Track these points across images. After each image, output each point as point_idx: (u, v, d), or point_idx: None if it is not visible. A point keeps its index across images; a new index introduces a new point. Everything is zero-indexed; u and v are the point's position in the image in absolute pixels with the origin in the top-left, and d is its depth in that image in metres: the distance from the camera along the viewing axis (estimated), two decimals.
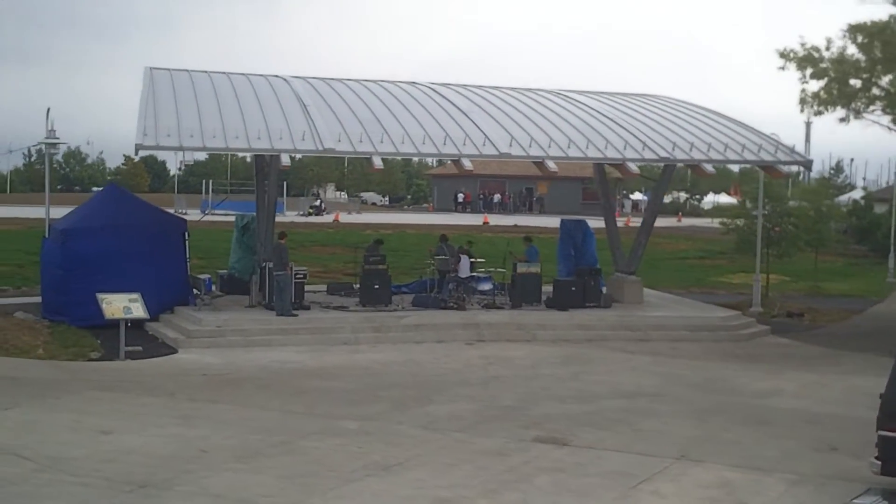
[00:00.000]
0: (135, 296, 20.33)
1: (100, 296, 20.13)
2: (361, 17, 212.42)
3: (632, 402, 16.52)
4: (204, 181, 77.22)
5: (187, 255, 24.76)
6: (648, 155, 24.53)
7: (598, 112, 26.60)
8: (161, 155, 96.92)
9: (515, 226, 53.76)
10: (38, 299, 25.00)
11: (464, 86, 28.37)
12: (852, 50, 24.51)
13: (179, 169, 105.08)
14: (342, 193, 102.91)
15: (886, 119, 26.34)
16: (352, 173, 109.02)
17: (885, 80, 24.92)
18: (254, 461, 12.29)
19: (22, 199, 71.15)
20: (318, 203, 71.66)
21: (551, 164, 23.62)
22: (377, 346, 21.72)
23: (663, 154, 24.59)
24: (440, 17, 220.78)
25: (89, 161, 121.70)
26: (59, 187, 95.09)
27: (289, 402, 15.91)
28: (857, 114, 25.22)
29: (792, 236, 30.29)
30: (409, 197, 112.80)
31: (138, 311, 20.30)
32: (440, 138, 23.36)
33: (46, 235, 25.01)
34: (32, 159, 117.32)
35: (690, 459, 12.90)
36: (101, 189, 35.83)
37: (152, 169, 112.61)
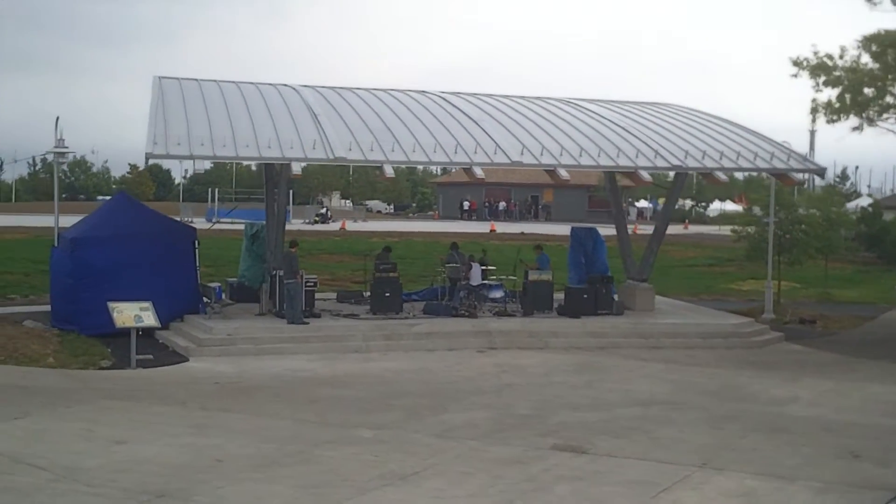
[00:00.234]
0: (146, 304, 20.25)
1: (111, 304, 20.05)
2: (363, 21, 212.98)
3: (647, 410, 16.38)
4: (209, 189, 77.27)
5: (197, 264, 24.64)
6: (661, 163, 24.43)
7: (608, 120, 26.50)
8: (166, 163, 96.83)
9: (522, 233, 53.71)
10: (47, 308, 24.96)
11: (473, 94, 28.30)
12: (866, 59, 24.43)
13: (183, 177, 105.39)
14: (347, 201, 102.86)
15: None
16: (357, 181, 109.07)
17: None
18: (269, 471, 12.15)
19: (26, 208, 71.25)
20: (324, 211, 71.62)
21: (563, 173, 23.51)
22: (389, 355, 21.60)
23: (675, 162, 24.49)
24: (442, 22, 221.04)
25: (94, 170, 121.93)
26: (63, 196, 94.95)
27: (302, 411, 15.79)
28: (871, 122, 25.10)
29: (803, 243, 30.13)
30: (413, 205, 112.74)
31: (149, 319, 20.21)
32: (451, 147, 23.27)
33: (55, 244, 24.94)
34: (37, 168, 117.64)
35: (711, 468, 12.73)
36: (110, 198, 35.74)
37: (157, 177, 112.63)
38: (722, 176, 24.85)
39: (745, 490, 11.82)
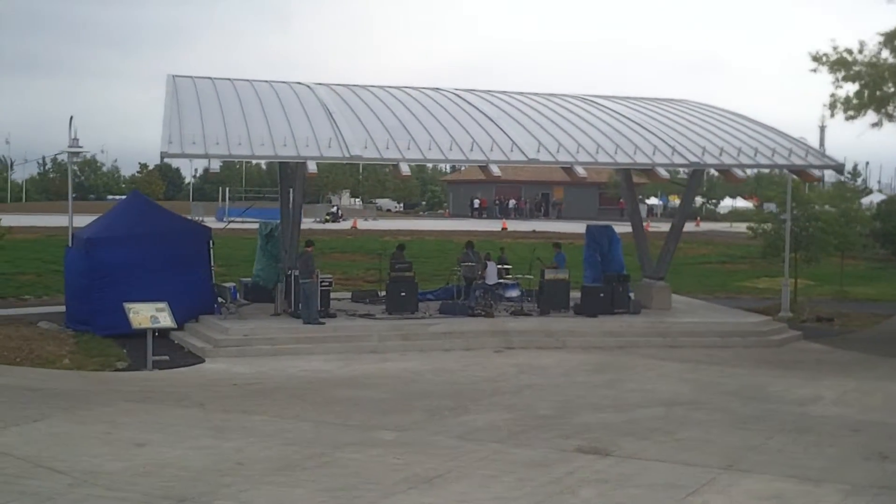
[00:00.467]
0: (162, 305, 20.15)
1: (127, 305, 19.96)
2: (365, 23, 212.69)
3: (670, 411, 16.20)
4: (220, 188, 77.21)
5: (212, 264, 24.54)
6: (678, 160, 24.24)
7: (625, 117, 26.32)
8: (175, 162, 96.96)
9: (534, 231, 53.55)
10: (60, 308, 24.90)
11: (488, 91, 28.14)
12: (886, 54, 24.14)
13: (194, 176, 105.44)
14: (357, 200, 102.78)
15: None
16: (367, 180, 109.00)
17: None
18: (292, 474, 12.00)
19: (37, 208, 71.25)
20: (334, 210, 71.46)
21: (580, 170, 23.32)
22: (406, 355, 21.47)
23: (693, 159, 24.30)
24: (443, 23, 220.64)
25: (104, 169, 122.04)
26: (74, 196, 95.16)
27: (322, 413, 15.64)
28: (890, 118, 24.83)
29: (820, 241, 29.89)
30: (423, 203, 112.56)
31: (165, 320, 20.12)
32: (467, 144, 23.13)
33: (70, 244, 24.85)
34: (47, 168, 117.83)
35: (738, 470, 12.55)
36: (124, 197, 35.65)
37: (167, 177, 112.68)
38: (740, 173, 24.63)
39: (774, 493, 11.62)
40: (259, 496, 11.08)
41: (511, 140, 23.63)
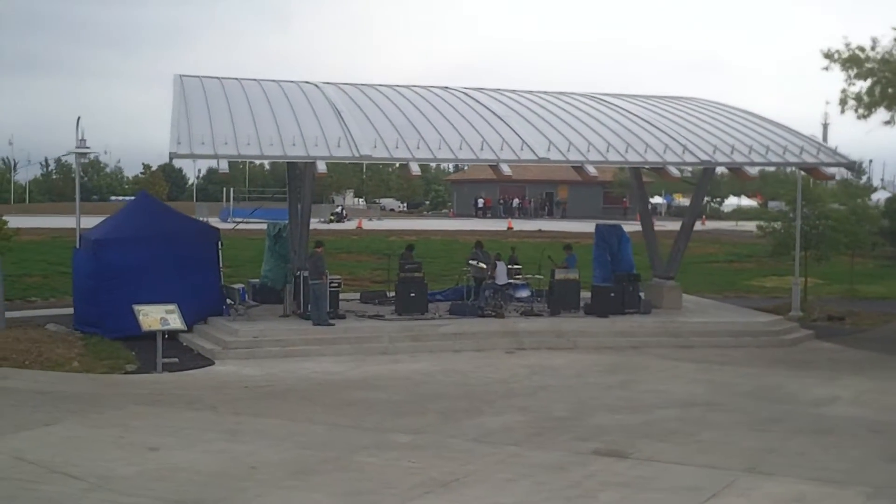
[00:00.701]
0: (171, 307, 20.02)
1: (136, 307, 19.83)
2: (365, 24, 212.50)
3: (686, 412, 16.05)
4: (224, 189, 77.06)
5: (220, 265, 24.41)
6: (689, 158, 24.08)
7: (635, 115, 26.17)
8: (181, 162, 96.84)
9: (540, 231, 53.35)
10: (68, 310, 24.80)
11: (496, 90, 28.00)
12: None
13: (197, 177, 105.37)
14: (360, 200, 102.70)
15: None
16: (370, 179, 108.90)
17: None
18: (307, 478, 11.86)
19: (41, 210, 71.09)
20: (339, 210, 71.31)
21: (591, 169, 23.17)
22: (416, 356, 21.34)
23: (704, 157, 24.14)
24: (443, 26, 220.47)
25: (107, 170, 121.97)
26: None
27: (335, 415, 15.50)
28: None
29: (831, 239, 29.71)
30: (427, 203, 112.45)
31: (175, 322, 19.99)
32: (477, 143, 22.99)
33: (77, 246, 24.72)
34: (49, 169, 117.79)
35: (759, 472, 12.39)
36: (128, 198, 35.59)
37: (170, 177, 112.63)
38: (752, 171, 24.47)
39: (796, 496, 11.46)
40: (275, 501, 10.94)
41: (521, 139, 23.48)
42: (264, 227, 29.98)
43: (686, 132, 25.29)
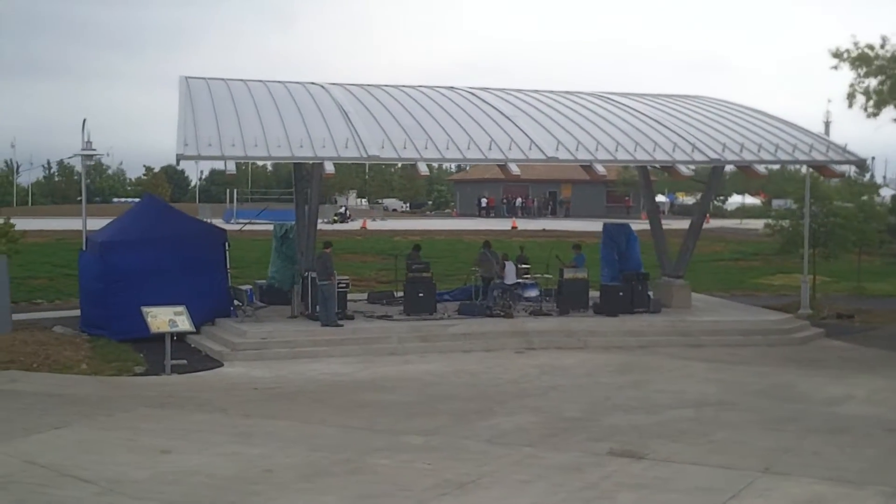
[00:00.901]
0: (180, 309, 19.93)
1: (145, 309, 19.73)
2: (366, 24, 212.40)
3: (699, 412, 15.94)
4: (227, 190, 76.93)
5: (227, 266, 24.32)
6: (698, 157, 23.94)
7: (643, 114, 26.05)
8: (184, 163, 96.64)
9: (544, 230, 53.21)
10: (73, 312, 24.73)
11: (503, 89, 27.87)
12: None
13: (200, 178, 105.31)
14: (363, 200, 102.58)
15: None
16: (373, 180, 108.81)
17: None
18: (321, 481, 11.76)
19: (44, 212, 71.02)
20: (342, 210, 71.18)
21: (600, 168, 23.05)
22: (425, 356, 21.23)
23: (713, 155, 24.02)
24: (443, 26, 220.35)
25: (109, 172, 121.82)
26: (78, 199, 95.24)
27: (347, 417, 15.39)
28: None
29: (839, 237, 29.58)
30: (430, 203, 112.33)
31: (184, 324, 19.90)
32: (485, 143, 22.86)
33: (84, 248, 24.63)
34: (52, 171, 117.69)
35: (775, 473, 12.29)
36: (133, 200, 35.53)
37: (172, 179, 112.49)
38: (762, 169, 24.34)
39: (814, 496, 11.37)
40: None
41: (529, 138, 23.37)
42: (269, 228, 29.90)
43: (695, 130, 25.17)
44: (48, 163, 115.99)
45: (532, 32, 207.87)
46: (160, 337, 19.62)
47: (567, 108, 26.01)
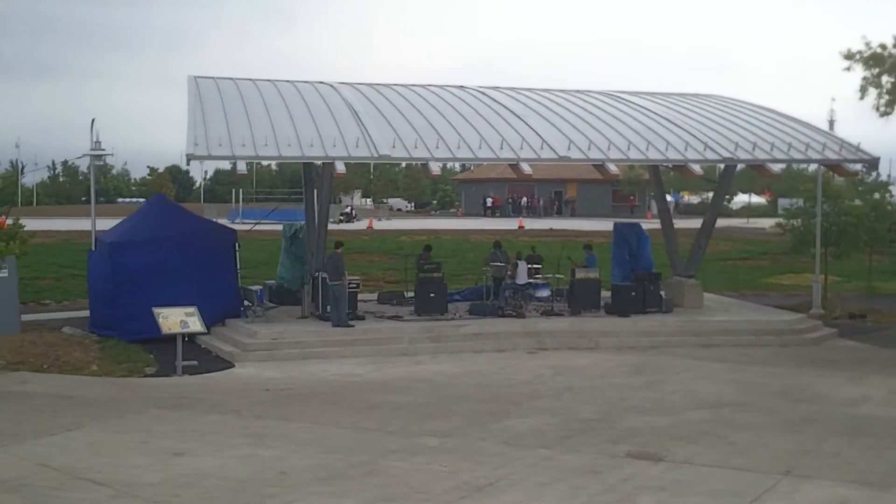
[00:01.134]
0: (191, 309, 19.81)
1: (156, 310, 19.62)
2: (367, 24, 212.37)
3: (716, 413, 15.77)
4: (232, 190, 76.84)
5: (238, 266, 24.19)
6: (711, 155, 23.79)
7: (655, 113, 25.90)
8: (193, 162, 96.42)
9: (551, 229, 53.06)
10: (81, 313, 24.63)
11: (513, 89, 27.72)
12: None
13: (204, 178, 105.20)
14: (368, 200, 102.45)
15: None
16: (378, 179, 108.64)
17: None
18: (337, 484, 11.60)
19: (49, 213, 70.98)
20: (348, 210, 71.06)
21: (612, 167, 22.91)
22: (437, 357, 21.10)
23: (726, 154, 23.85)
24: (443, 26, 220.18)
25: (114, 172, 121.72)
26: (83, 199, 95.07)
27: (360, 418, 15.24)
28: None
29: (851, 236, 29.40)
30: (434, 202, 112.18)
31: (195, 325, 19.79)
32: (496, 143, 22.71)
33: (93, 248, 24.51)
34: (56, 172, 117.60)
35: (797, 475, 12.12)
36: (141, 200, 35.43)
37: (177, 179, 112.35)
38: (775, 168, 24.20)
39: (837, 499, 11.20)
40: None
41: (541, 138, 23.22)
42: (278, 228, 29.76)
43: (707, 129, 25.01)
44: (53, 163, 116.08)
45: (532, 32, 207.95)
46: (169, 338, 19.52)
47: (578, 108, 25.86)
